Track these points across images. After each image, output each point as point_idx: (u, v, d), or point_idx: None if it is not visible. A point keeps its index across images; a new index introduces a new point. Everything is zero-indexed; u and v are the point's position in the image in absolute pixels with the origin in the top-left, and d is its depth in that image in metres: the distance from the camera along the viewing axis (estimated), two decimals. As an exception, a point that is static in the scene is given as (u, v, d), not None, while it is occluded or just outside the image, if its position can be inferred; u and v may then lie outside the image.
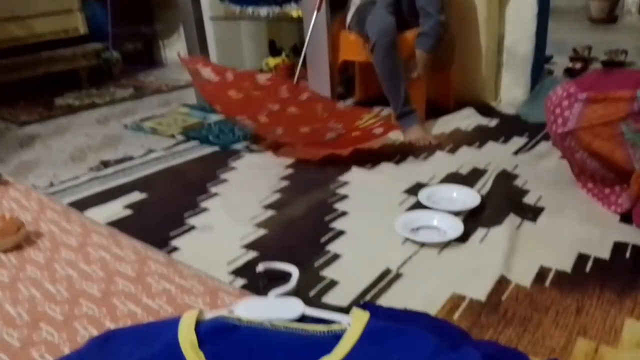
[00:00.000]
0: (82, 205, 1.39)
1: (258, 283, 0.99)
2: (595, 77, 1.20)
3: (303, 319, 0.79)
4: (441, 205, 1.26)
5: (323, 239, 1.15)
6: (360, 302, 0.92)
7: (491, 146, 1.70)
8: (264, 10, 2.43)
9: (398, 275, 1.00)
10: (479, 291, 0.94)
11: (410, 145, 1.71)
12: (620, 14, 4.16)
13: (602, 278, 0.96)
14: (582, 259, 1.03)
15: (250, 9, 2.48)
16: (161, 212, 1.33)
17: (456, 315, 0.88)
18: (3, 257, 1.12)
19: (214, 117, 2.12)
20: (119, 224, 1.26)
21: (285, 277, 0.97)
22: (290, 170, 1.57)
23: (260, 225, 1.23)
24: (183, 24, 2.27)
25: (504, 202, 1.28)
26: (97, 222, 1.29)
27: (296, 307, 0.81)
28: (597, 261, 1.02)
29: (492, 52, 2.09)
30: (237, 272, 1.04)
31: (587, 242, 1.08)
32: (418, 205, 1.29)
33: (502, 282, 0.96)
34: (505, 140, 1.73)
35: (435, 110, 2.01)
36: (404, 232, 1.13)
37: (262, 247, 1.13)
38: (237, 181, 1.52)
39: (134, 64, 3.23)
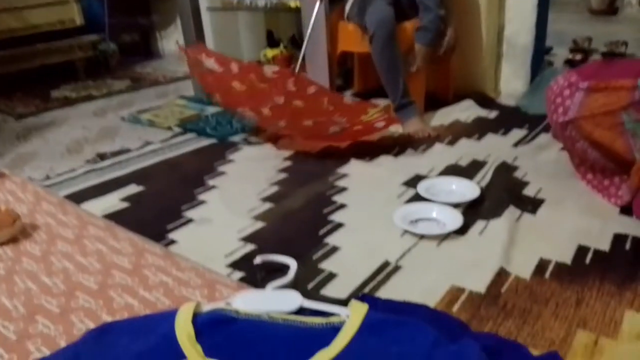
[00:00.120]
0: (78, 197, 1.38)
1: (256, 275, 0.99)
2: (597, 66, 1.19)
3: (301, 311, 0.79)
4: (440, 198, 1.25)
5: (321, 232, 1.15)
6: (359, 294, 0.92)
7: (491, 138, 1.69)
8: (261, 1, 2.40)
9: (397, 268, 1.00)
10: (479, 283, 0.93)
11: (409, 137, 1.70)
12: (621, 6, 4.13)
13: (602, 270, 0.96)
14: (582, 250, 1.03)
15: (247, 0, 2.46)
16: (158, 204, 1.32)
17: (455, 308, 0.87)
18: (-1, 249, 1.12)
19: (211, 109, 2.10)
20: (116, 217, 1.26)
21: (283, 269, 0.96)
22: (288, 163, 1.56)
23: (258, 217, 1.22)
24: (180, 14, 2.25)
25: (503, 194, 1.27)
26: (94, 214, 1.28)
27: (294, 299, 0.80)
28: (597, 253, 1.02)
29: (492, 43, 2.07)
30: (235, 265, 1.03)
31: (587, 234, 1.08)
32: (417, 198, 1.28)
33: (501, 274, 0.96)
34: (505, 132, 1.72)
35: (435, 102, 1.99)
36: (403, 225, 1.12)
37: (260, 240, 1.12)
38: (235, 174, 1.51)
39: (131, 55, 3.20)
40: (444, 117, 1.90)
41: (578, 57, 2.54)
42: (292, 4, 2.31)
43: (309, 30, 1.86)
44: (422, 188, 1.30)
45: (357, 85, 2.26)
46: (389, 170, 1.46)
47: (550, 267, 0.98)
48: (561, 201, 1.23)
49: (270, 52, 2.61)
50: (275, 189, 1.38)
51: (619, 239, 1.06)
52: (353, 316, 0.72)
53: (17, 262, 1.06)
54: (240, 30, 2.86)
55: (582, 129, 1.15)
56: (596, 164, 1.23)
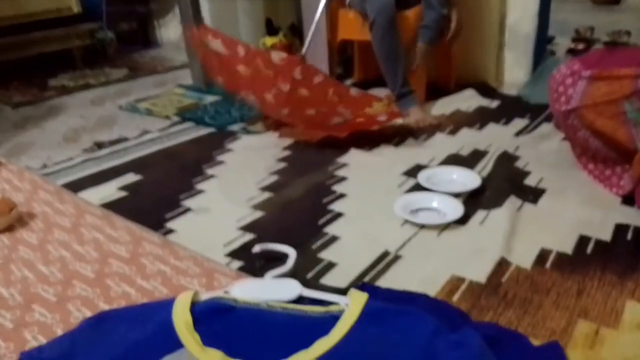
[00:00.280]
0: (76, 187, 1.37)
1: (255, 264, 0.98)
2: (600, 55, 1.17)
3: (300, 300, 0.78)
4: (441, 187, 1.24)
5: (321, 221, 1.14)
6: (359, 283, 0.91)
7: (492, 128, 1.67)
8: (260, -12, 2.37)
9: (397, 257, 0.99)
10: (479, 273, 0.93)
11: (409, 126, 1.69)
12: (624, -5, 4.09)
13: (604, 260, 0.95)
14: (583, 240, 1.02)
15: (247, -13, 2.42)
16: (156, 194, 1.31)
17: (456, 297, 0.87)
18: (-5, 238, 1.11)
19: (209, 98, 2.08)
20: (114, 206, 1.24)
21: (282, 258, 0.96)
22: (287, 152, 1.55)
23: (257, 207, 1.21)
24: (178, 2, 2.21)
25: (504, 183, 1.26)
26: (91, 203, 1.26)
27: (293, 288, 0.80)
28: (599, 243, 1.01)
29: (494, 31, 2.05)
30: (234, 254, 1.02)
31: (589, 224, 1.07)
32: (417, 187, 1.27)
33: (502, 264, 0.95)
34: (507, 122, 1.71)
35: (436, 91, 1.98)
36: (404, 214, 1.12)
37: (259, 229, 1.11)
38: (234, 163, 1.49)
39: (129, 44, 3.17)
40: (445, 106, 1.88)
41: (580, 46, 2.52)
42: (292, -9, 2.27)
43: (317, 16, 1.81)
44: (422, 178, 1.29)
45: (358, 74, 2.24)
46: (389, 160, 1.45)
47: (552, 257, 0.97)
48: (563, 191, 1.22)
49: (270, 40, 2.58)
50: (274, 178, 1.37)
51: (620, 229, 1.05)
52: (352, 305, 0.72)
53: (13, 251, 1.06)
54: (239, 18, 2.83)
55: (584, 118, 1.14)
56: (598, 154, 1.22)
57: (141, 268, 0.97)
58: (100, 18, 2.84)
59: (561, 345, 0.73)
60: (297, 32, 2.57)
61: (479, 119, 1.75)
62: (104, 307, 0.87)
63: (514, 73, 2.09)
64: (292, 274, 0.91)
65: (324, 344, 0.66)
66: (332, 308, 0.73)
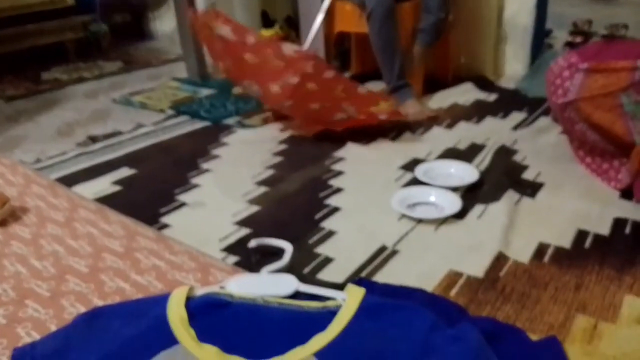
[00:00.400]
0: (69, 181, 1.35)
1: (250, 259, 0.97)
2: (597, 47, 1.17)
3: (297, 295, 0.77)
4: (438, 181, 1.23)
5: (318, 216, 1.13)
6: (356, 278, 0.90)
7: (490, 121, 1.67)
8: (256, -20, 2.34)
9: (394, 252, 0.98)
10: (477, 267, 0.92)
11: (406, 120, 1.68)
12: (621, -11, 4.08)
13: (602, 254, 0.95)
14: (581, 235, 1.01)
15: (242, -21, 2.39)
16: (151, 188, 1.30)
17: (453, 292, 0.86)
18: (-13, 233, 1.09)
19: (204, 91, 2.06)
20: (108, 201, 1.23)
21: (278, 253, 0.95)
22: (284, 146, 1.54)
23: (253, 201, 1.20)
24: (173, -6, 2.19)
25: (502, 177, 1.25)
26: (85, 197, 1.25)
27: (290, 283, 0.79)
28: (597, 237, 1.00)
29: (492, 24, 2.04)
30: (230, 249, 1.01)
31: (587, 218, 1.07)
32: (415, 182, 1.26)
33: (500, 259, 0.95)
34: (505, 115, 1.70)
35: (434, 85, 1.97)
36: (401, 209, 1.11)
37: (255, 224, 1.10)
38: (229, 157, 1.48)
39: (123, 36, 3.13)
40: (442, 99, 1.87)
41: (578, 39, 2.50)
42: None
43: (325, 5, 1.79)
44: (420, 172, 1.28)
45: (355, 67, 2.22)
46: (386, 154, 1.44)
47: (550, 251, 0.96)
48: (561, 185, 1.21)
49: (266, 33, 2.56)
50: (270, 172, 1.36)
51: (618, 223, 1.05)
52: (350, 300, 0.71)
53: (6, 246, 1.04)
54: (235, 11, 2.80)
55: (582, 111, 1.14)
56: (595, 147, 1.21)
57: (135, 263, 0.96)
58: (94, 10, 2.80)
59: (559, 340, 0.73)
60: (293, 24, 2.55)
61: (477, 112, 1.74)
62: (98, 302, 0.86)
63: (512, 66, 2.09)
64: (289, 269, 0.90)
65: (321, 340, 0.66)
66: (329, 303, 0.72)
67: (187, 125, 1.74)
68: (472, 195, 1.18)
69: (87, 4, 2.75)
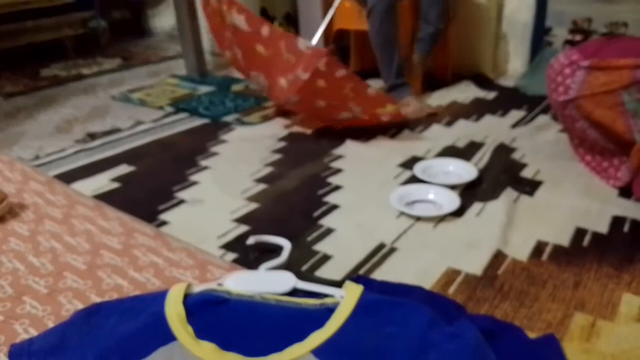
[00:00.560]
0: (68, 178, 1.35)
1: (249, 256, 0.97)
2: (599, 44, 1.16)
3: (295, 292, 0.77)
4: (437, 179, 1.23)
5: (316, 213, 1.12)
6: (354, 275, 0.90)
7: (489, 119, 1.66)
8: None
9: (393, 250, 0.98)
10: (475, 265, 0.92)
11: (406, 117, 1.67)
12: (622, -13, 4.07)
13: (600, 252, 0.95)
14: (580, 232, 1.01)
15: (241, -25, 2.38)
16: (150, 185, 1.30)
17: (451, 290, 0.86)
18: (-15, 229, 1.09)
19: (203, 89, 2.06)
20: (106, 198, 1.23)
21: (276, 250, 0.95)
22: (282, 143, 1.53)
23: (251, 199, 1.20)
24: (172, -9, 2.19)
25: (501, 175, 1.25)
26: (83, 194, 1.25)
27: (288, 280, 0.79)
28: (595, 235, 1.00)
29: (492, 22, 2.03)
30: (228, 247, 1.01)
31: (586, 216, 1.07)
32: (414, 179, 1.26)
33: (498, 256, 0.94)
34: (504, 113, 1.70)
35: (433, 83, 1.96)
36: (399, 206, 1.11)
37: (254, 221, 1.10)
38: (228, 154, 1.48)
39: (122, 33, 3.13)
40: (442, 97, 1.87)
41: (578, 37, 2.50)
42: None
43: (337, 1, 1.78)
44: (418, 169, 1.28)
45: (354, 65, 2.21)
46: (385, 152, 1.44)
47: (548, 249, 0.96)
48: (559, 183, 1.21)
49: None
50: (269, 169, 1.36)
51: (617, 221, 1.05)
52: (348, 297, 0.71)
53: (4, 242, 1.04)
54: (234, 8, 2.79)
55: (582, 109, 1.13)
56: (596, 145, 1.21)
57: (133, 260, 0.96)
58: (92, 7, 2.79)
59: (557, 338, 0.73)
60: (292, 21, 2.55)
61: (476, 110, 1.74)
62: (96, 299, 0.86)
63: (511, 64, 2.08)
64: (287, 266, 0.90)
65: (318, 337, 0.66)
66: (327, 300, 0.72)
67: (186, 123, 1.73)
68: (470, 193, 1.18)
69: (86, 0, 2.74)
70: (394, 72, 1.72)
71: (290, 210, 1.15)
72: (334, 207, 1.15)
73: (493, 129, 1.56)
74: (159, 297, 0.73)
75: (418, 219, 1.08)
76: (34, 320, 0.81)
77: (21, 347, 0.71)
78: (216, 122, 1.72)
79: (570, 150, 1.32)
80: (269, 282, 0.78)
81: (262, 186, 1.26)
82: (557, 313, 0.80)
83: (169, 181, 1.30)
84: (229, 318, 0.71)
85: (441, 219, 1.08)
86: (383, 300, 0.71)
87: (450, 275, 0.90)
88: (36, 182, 1.31)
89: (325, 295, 0.74)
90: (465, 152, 1.42)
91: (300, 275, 0.81)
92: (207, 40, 2.46)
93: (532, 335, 0.74)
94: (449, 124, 1.64)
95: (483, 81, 2.02)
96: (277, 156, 1.44)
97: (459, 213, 1.09)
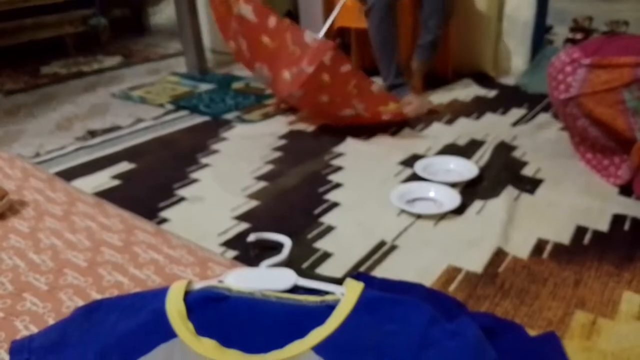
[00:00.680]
0: (68, 175, 1.35)
1: (249, 253, 0.97)
2: (600, 42, 1.16)
3: (295, 289, 0.77)
4: (438, 177, 1.23)
5: (317, 211, 1.12)
6: (355, 273, 0.90)
7: (490, 117, 1.66)
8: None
9: (393, 247, 0.98)
10: (476, 263, 0.92)
11: (406, 115, 1.67)
12: (623, -15, 4.06)
13: (601, 250, 0.95)
14: (580, 231, 1.01)
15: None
16: (150, 183, 1.30)
17: (452, 287, 0.86)
18: (-14, 226, 1.09)
19: (204, 86, 2.06)
20: (107, 195, 1.23)
21: (277, 248, 0.95)
22: (283, 141, 1.53)
23: (252, 196, 1.20)
24: (172, -12, 2.18)
25: (502, 173, 1.25)
26: (83, 191, 1.25)
27: (288, 277, 0.79)
28: (596, 233, 1.00)
29: (492, 20, 2.03)
30: (228, 244, 1.01)
31: (586, 214, 1.07)
32: (414, 177, 1.26)
33: (499, 254, 0.94)
34: (504, 111, 1.70)
35: (434, 80, 1.96)
36: (400, 204, 1.11)
37: (254, 219, 1.10)
38: (229, 152, 1.48)
39: (122, 31, 3.12)
40: (442, 95, 1.87)
41: (578, 36, 2.50)
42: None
43: (338, 5, 1.77)
44: (419, 167, 1.28)
45: (355, 63, 2.21)
46: (386, 149, 1.44)
47: (549, 247, 0.96)
48: (560, 181, 1.21)
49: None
50: (269, 167, 1.36)
51: (618, 220, 1.05)
52: (348, 294, 0.71)
53: (4, 239, 1.04)
54: (235, 6, 2.78)
55: (583, 106, 1.13)
56: (596, 143, 1.21)
57: (134, 257, 0.96)
58: (93, 4, 2.79)
59: (558, 336, 0.73)
60: (293, 19, 2.54)
61: (477, 108, 1.74)
62: (96, 296, 0.85)
63: (512, 62, 2.08)
64: (287, 263, 0.90)
65: (319, 334, 0.66)
66: (327, 297, 0.72)
67: (187, 120, 1.73)
68: (471, 191, 1.18)
69: (86, -3, 2.75)
70: (393, 71, 1.71)
71: (290, 208, 1.15)
72: (335, 204, 1.15)
73: (494, 127, 1.56)
74: (159, 294, 0.73)
75: (419, 216, 1.08)
76: (34, 317, 0.81)
77: (22, 344, 0.71)
78: (217, 119, 1.72)
79: (571, 149, 1.32)
80: (269, 279, 0.78)
81: (262, 184, 1.26)
82: (558, 311, 0.80)
83: (170, 178, 1.30)
84: (230, 315, 0.71)
85: (442, 216, 1.08)
86: (383, 298, 0.71)
87: (451, 272, 0.90)
88: (36, 179, 1.31)
89: (326, 293, 0.74)
90: (466, 150, 1.41)
91: (301, 273, 0.81)
92: (207, 37, 2.46)
93: (532, 333, 0.74)
94: (450, 122, 1.64)
95: (484, 79, 2.02)
96: (278, 154, 1.44)
97: (459, 211, 1.09)
